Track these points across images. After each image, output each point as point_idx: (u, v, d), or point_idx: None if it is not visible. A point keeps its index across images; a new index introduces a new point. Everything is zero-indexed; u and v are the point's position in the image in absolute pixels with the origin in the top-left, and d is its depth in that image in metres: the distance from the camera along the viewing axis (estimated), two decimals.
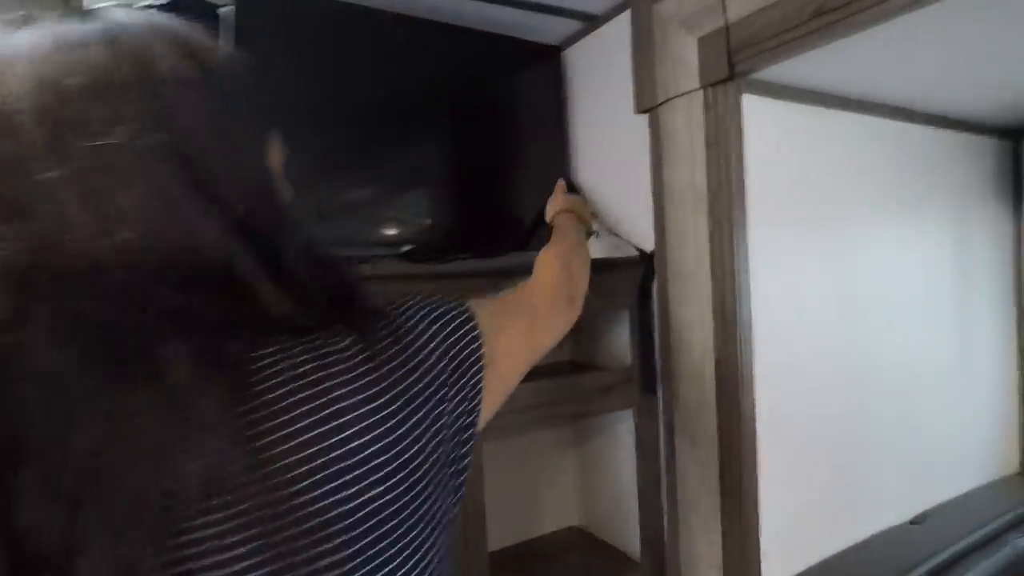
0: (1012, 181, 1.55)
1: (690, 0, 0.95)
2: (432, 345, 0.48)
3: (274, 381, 0.39)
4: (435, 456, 0.45)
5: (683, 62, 0.97)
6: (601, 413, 1.18)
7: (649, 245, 1.09)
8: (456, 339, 0.50)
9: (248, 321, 0.40)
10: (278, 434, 0.38)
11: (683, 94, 0.98)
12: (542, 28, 1.23)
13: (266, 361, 0.40)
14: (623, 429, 1.20)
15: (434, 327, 0.49)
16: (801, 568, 1.08)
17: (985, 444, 1.50)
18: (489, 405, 0.52)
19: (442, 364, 0.48)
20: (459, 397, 0.48)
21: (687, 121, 0.97)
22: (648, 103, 1.05)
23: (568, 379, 1.09)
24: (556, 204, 1.04)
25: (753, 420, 0.95)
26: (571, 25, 1.24)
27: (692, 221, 0.98)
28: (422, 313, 0.49)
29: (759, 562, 0.96)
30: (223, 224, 0.39)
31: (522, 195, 1.23)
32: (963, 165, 1.44)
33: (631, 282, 1.12)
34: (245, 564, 0.35)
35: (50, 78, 0.35)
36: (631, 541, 1.19)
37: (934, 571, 1.10)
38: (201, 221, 0.38)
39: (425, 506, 0.43)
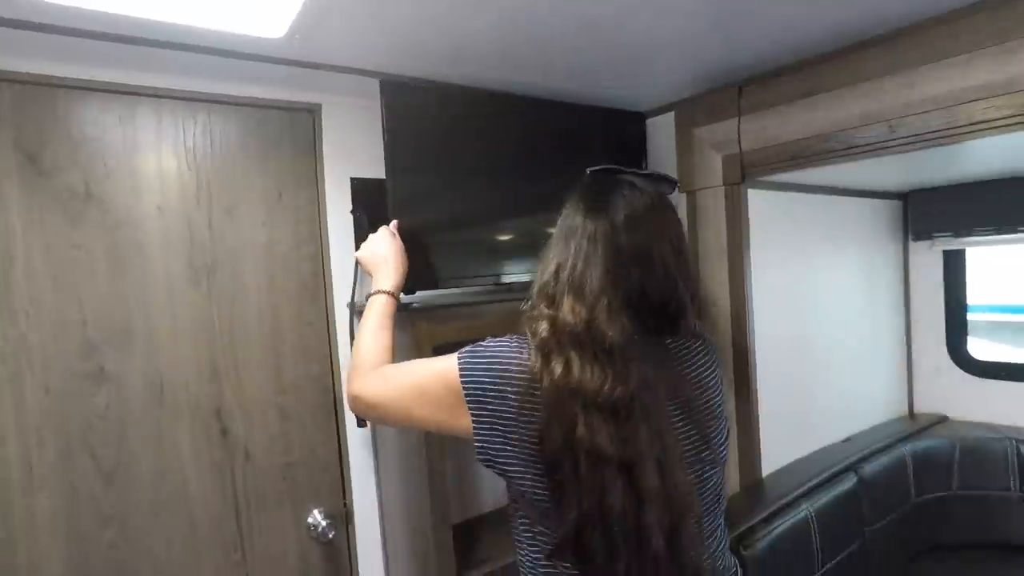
0: (902, 224, 2.32)
1: (718, 132, 1.60)
2: (716, 355, 1.04)
3: (676, 358, 0.96)
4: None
5: (712, 169, 1.63)
6: None
7: None
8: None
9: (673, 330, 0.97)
10: (686, 382, 0.96)
11: (711, 187, 1.64)
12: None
13: (671, 345, 0.97)
14: None
15: (712, 346, 1.05)
16: (785, 463, 1.79)
17: (887, 395, 2.28)
18: None
19: (720, 366, 1.05)
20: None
21: (714, 203, 1.64)
22: (688, 188, 1.70)
23: None
24: None
25: (755, 377, 1.63)
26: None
27: (717, 265, 1.64)
28: (710, 339, 1.06)
29: (759, 456, 1.64)
30: (687, 290, 0.94)
31: None
32: (872, 216, 2.19)
33: None
34: (685, 430, 0.93)
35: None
36: None
37: (853, 465, 1.82)
38: (683, 289, 0.93)
39: (725, 422, 1.01)
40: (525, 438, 0.86)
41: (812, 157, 1.43)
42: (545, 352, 0.86)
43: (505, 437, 0.88)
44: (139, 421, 1.35)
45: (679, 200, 1.74)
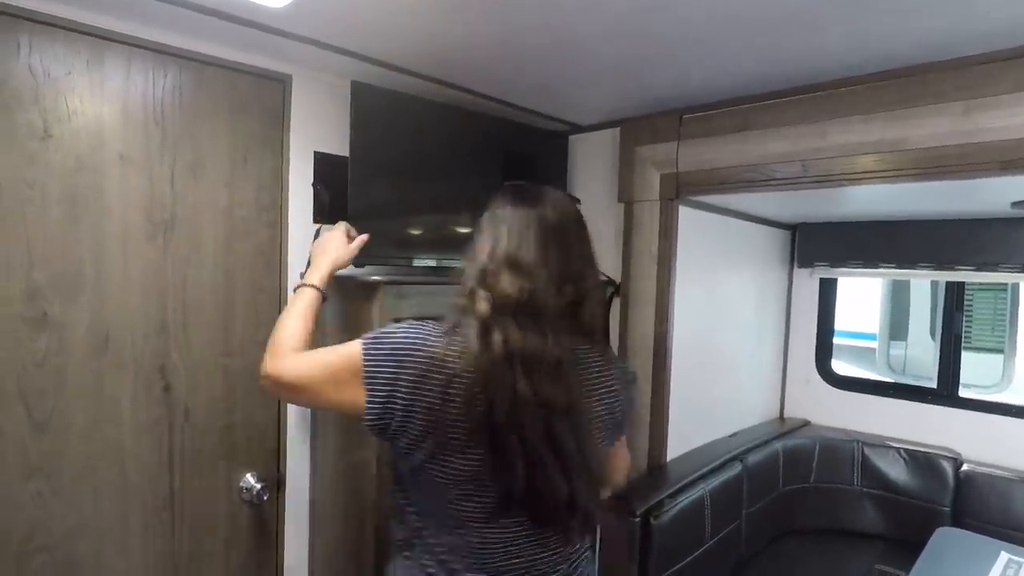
0: (790, 252, 2.67)
1: (659, 152, 1.80)
2: (617, 372, 1.11)
3: (582, 365, 1.03)
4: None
5: (650, 184, 1.82)
6: None
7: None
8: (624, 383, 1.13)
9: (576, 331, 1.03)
10: (586, 387, 1.02)
11: (648, 200, 1.83)
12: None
13: (579, 351, 1.03)
14: None
15: (619, 366, 1.13)
16: (683, 452, 2.02)
17: (765, 399, 2.61)
18: None
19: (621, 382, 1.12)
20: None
21: (650, 215, 1.83)
22: (626, 198, 1.88)
23: None
24: None
25: (671, 373, 1.85)
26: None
27: (647, 269, 1.84)
28: (615, 356, 1.17)
29: (666, 442, 1.86)
30: (586, 290, 1.03)
31: None
32: (768, 243, 2.51)
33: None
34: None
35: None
36: None
37: (739, 456, 2.10)
38: (591, 278, 1.04)
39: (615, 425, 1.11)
40: (413, 414, 0.94)
41: (738, 184, 1.66)
42: (486, 327, 0.93)
43: (393, 414, 0.95)
44: (79, 371, 1.32)
45: (617, 209, 1.92)
